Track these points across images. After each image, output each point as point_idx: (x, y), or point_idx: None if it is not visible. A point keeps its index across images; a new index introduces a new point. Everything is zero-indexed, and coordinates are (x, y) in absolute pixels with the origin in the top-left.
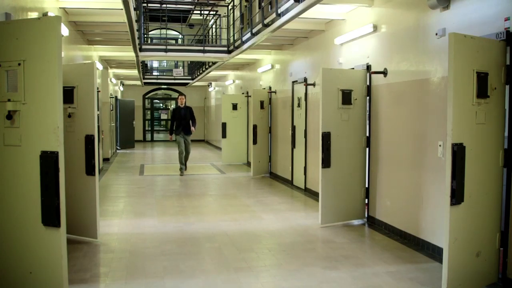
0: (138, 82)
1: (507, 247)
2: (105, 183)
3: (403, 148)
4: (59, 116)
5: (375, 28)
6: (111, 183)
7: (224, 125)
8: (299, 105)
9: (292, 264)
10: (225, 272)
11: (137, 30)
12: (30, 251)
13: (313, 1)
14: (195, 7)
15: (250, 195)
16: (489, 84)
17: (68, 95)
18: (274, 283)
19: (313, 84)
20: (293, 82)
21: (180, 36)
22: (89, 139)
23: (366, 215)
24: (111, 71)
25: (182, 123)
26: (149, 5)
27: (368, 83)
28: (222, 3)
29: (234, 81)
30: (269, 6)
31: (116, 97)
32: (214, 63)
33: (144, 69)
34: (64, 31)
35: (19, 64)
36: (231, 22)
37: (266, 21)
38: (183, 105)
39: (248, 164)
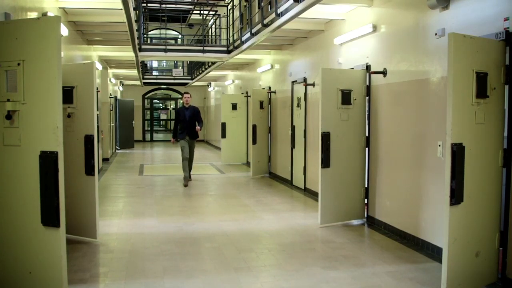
0: (138, 82)
1: (506, 247)
2: (104, 183)
3: (402, 148)
4: (58, 116)
5: (375, 28)
6: (110, 183)
7: (223, 125)
8: (298, 105)
9: (291, 264)
10: (225, 272)
11: (137, 30)
12: (29, 251)
13: (312, 1)
14: (194, 7)
15: (250, 195)
16: (489, 84)
17: (68, 95)
18: (274, 283)
19: (313, 84)
20: (293, 82)
21: (180, 36)
22: (89, 139)
23: (365, 215)
24: (111, 71)
25: (187, 125)
26: (148, 5)
27: (367, 83)
28: (221, 3)
29: (233, 81)
30: (269, 6)
31: (115, 97)
32: (213, 63)
33: (144, 69)
34: (64, 31)
35: (18, 64)
36: (231, 22)
37: (265, 21)
38: (188, 104)
39: (248, 164)
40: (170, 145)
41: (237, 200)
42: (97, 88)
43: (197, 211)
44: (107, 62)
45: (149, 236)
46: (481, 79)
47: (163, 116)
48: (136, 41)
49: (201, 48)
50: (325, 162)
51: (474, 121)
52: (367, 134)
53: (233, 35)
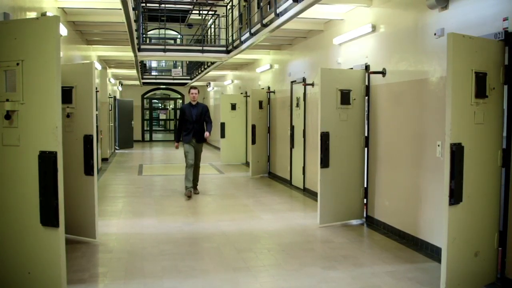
0: (137, 82)
1: (505, 247)
2: (103, 183)
3: (401, 148)
4: (57, 116)
5: (374, 28)
6: (109, 183)
7: (222, 125)
8: (297, 105)
9: (291, 264)
10: (224, 272)
11: (136, 30)
12: (28, 251)
13: (311, 1)
14: (194, 7)
15: (249, 195)
16: (488, 84)
17: (67, 95)
18: (273, 283)
19: (312, 84)
20: (292, 82)
21: (179, 36)
22: (88, 139)
23: (365, 215)
24: (110, 71)
25: (194, 126)
26: (148, 5)
27: (366, 83)
28: (220, 3)
29: (233, 81)
30: (268, 6)
31: (114, 97)
32: (212, 63)
33: (143, 69)
34: (63, 31)
35: (17, 64)
36: (230, 22)
37: (264, 21)
38: (196, 101)
39: (247, 164)
40: (170, 145)
41: (236, 200)
42: (96, 88)
43: (196, 211)
44: (106, 62)
45: (148, 236)
46: (480, 79)
47: (162, 116)
48: (135, 41)
49: (200, 48)
50: (324, 162)
51: (473, 121)
52: (366, 134)
53: (232, 35)
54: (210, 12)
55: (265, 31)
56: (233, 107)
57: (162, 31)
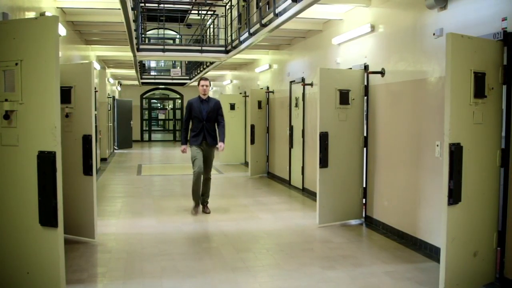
0: (136, 82)
1: (504, 247)
2: (102, 183)
3: (400, 148)
4: (56, 116)
5: (373, 28)
6: (108, 183)
7: None
8: (296, 105)
9: (290, 264)
10: (223, 272)
11: (135, 30)
12: (27, 251)
13: (310, 1)
14: (192, 7)
15: (248, 195)
16: (486, 84)
17: (66, 95)
18: (272, 283)
19: (311, 84)
20: (291, 82)
21: (178, 36)
22: (87, 139)
23: (363, 215)
24: (109, 71)
25: (204, 126)
26: (146, 5)
27: (365, 83)
28: (219, 3)
29: (231, 81)
30: (267, 6)
31: (113, 97)
32: (211, 63)
33: (142, 69)
34: (62, 31)
35: (16, 64)
36: (229, 22)
37: (263, 21)
38: (206, 96)
39: (246, 164)
40: (169, 145)
41: (235, 200)
42: (95, 88)
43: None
44: (105, 62)
45: (147, 236)
46: (479, 79)
47: (161, 116)
48: (134, 41)
49: (199, 48)
50: (323, 162)
51: (472, 121)
52: (365, 134)
53: (231, 35)
54: (209, 12)
55: (264, 31)
56: (232, 107)
57: (161, 31)
